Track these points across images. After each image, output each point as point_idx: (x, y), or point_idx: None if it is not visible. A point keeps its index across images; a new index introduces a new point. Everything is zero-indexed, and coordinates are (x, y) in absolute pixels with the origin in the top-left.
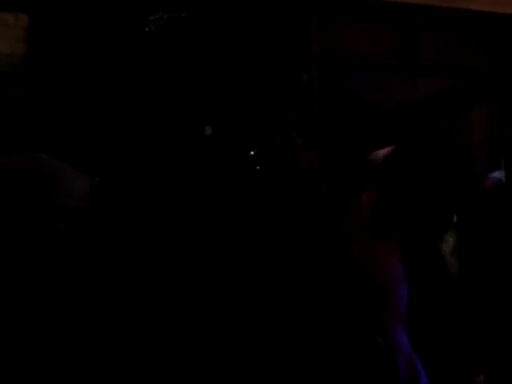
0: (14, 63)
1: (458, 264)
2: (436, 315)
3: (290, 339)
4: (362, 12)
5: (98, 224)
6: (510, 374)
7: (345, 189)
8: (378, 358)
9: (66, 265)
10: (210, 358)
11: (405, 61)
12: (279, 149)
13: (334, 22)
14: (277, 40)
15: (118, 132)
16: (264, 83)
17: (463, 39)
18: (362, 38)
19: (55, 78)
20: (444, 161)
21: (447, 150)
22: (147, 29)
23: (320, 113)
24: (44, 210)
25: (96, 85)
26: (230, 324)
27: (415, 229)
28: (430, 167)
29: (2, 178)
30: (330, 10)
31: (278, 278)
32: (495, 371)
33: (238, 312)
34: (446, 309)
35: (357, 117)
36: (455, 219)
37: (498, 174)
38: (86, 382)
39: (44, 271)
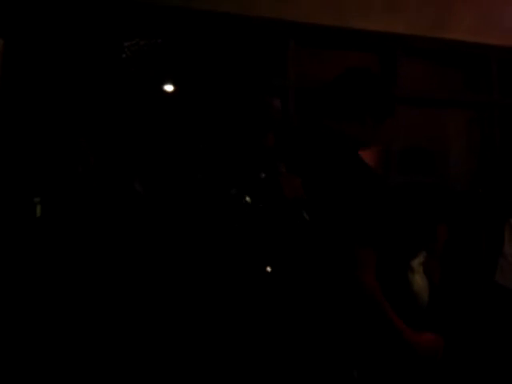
0: None
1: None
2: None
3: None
4: (341, 40)
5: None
6: None
7: None
8: None
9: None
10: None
11: None
12: (264, 180)
13: (312, 49)
14: (251, 66)
15: (96, 158)
16: (239, 110)
17: (441, 68)
18: (340, 66)
19: (29, 102)
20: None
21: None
22: (123, 55)
23: (297, 138)
24: None
25: (71, 110)
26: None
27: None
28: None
29: None
30: (308, 38)
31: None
32: None
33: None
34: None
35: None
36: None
37: None
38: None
39: None
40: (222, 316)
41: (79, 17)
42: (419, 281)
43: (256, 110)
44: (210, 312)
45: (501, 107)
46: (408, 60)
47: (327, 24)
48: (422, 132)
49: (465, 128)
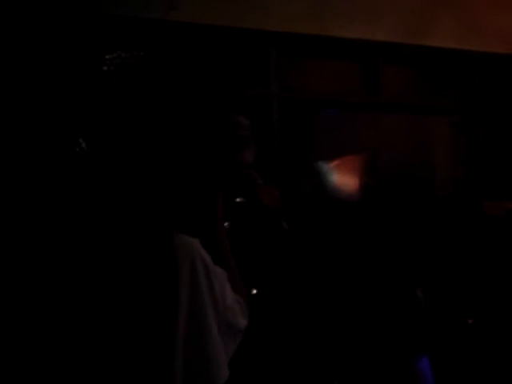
0: None
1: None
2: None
3: None
4: (323, 48)
5: None
6: None
7: None
8: None
9: None
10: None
11: (367, 97)
12: (238, 188)
13: (295, 59)
14: (234, 77)
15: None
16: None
17: (424, 75)
18: (323, 75)
19: (6, 120)
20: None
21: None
22: (105, 68)
23: (281, 149)
24: None
25: (52, 126)
26: None
27: None
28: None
29: None
30: (289, 47)
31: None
32: None
33: None
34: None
35: None
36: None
37: None
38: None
39: None
40: None
41: (60, 29)
42: None
43: (222, 130)
44: None
45: (483, 112)
46: (390, 67)
47: (308, 33)
48: (405, 138)
49: (449, 133)
